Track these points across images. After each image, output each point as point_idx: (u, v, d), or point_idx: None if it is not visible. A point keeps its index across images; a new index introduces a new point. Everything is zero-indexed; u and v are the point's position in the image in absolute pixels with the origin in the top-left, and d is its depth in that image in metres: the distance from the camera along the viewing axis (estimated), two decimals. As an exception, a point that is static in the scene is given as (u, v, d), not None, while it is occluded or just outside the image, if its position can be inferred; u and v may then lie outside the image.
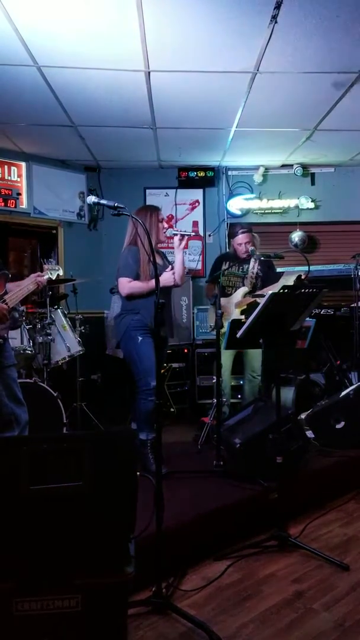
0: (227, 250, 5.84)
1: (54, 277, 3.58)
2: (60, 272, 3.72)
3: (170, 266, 3.66)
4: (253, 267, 4.55)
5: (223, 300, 4.36)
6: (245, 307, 4.47)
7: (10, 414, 2.95)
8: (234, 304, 4.51)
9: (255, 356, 4.59)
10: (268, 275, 4.59)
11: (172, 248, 3.65)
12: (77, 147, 5.57)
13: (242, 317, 4.20)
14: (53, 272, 3.57)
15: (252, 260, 4.52)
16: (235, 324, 3.20)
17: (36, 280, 3.17)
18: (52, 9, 3.12)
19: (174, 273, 3.57)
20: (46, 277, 3.34)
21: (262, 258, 4.47)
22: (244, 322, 2.98)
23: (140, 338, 3.46)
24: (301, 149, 5.71)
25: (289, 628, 2.12)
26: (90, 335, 4.76)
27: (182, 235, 3.61)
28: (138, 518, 1.85)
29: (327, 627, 2.12)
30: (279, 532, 2.81)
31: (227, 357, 4.66)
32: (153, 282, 3.39)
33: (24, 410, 3.04)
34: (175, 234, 3.62)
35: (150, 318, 3.42)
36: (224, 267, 4.55)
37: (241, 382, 4.90)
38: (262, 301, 2.83)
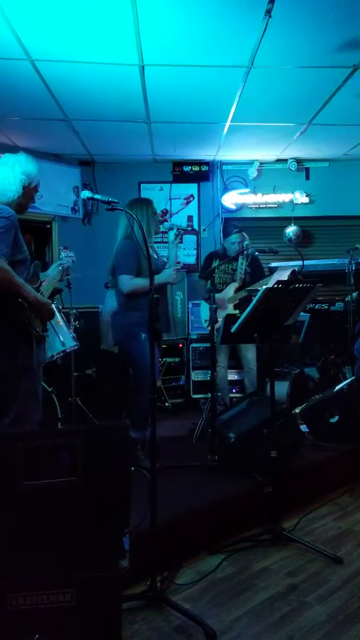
0: (218, 247, 5.90)
1: (70, 265, 3.57)
2: (75, 259, 3.69)
3: (166, 262, 3.64)
4: (242, 264, 4.71)
5: (216, 295, 4.42)
6: (237, 301, 4.59)
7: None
8: (227, 299, 4.61)
9: (248, 347, 4.66)
10: (255, 272, 4.76)
11: (166, 242, 3.63)
12: (71, 142, 5.54)
13: (237, 311, 4.26)
14: (69, 260, 3.55)
15: (241, 257, 4.67)
16: (230, 319, 3.20)
17: (62, 268, 3.17)
18: (45, 2, 3.09)
19: (175, 270, 3.55)
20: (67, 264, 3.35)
21: (256, 253, 4.60)
22: (238, 317, 2.99)
23: (143, 335, 3.42)
24: (296, 143, 5.70)
25: (283, 621, 2.14)
26: (84, 330, 4.73)
27: (179, 230, 3.59)
28: (132, 512, 1.86)
29: (320, 620, 2.14)
30: (273, 525, 2.82)
31: (222, 353, 4.69)
32: (154, 278, 3.41)
33: (39, 410, 3.05)
34: (172, 228, 3.59)
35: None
36: (215, 264, 4.69)
37: (237, 376, 4.93)
38: (256, 296, 2.83)
